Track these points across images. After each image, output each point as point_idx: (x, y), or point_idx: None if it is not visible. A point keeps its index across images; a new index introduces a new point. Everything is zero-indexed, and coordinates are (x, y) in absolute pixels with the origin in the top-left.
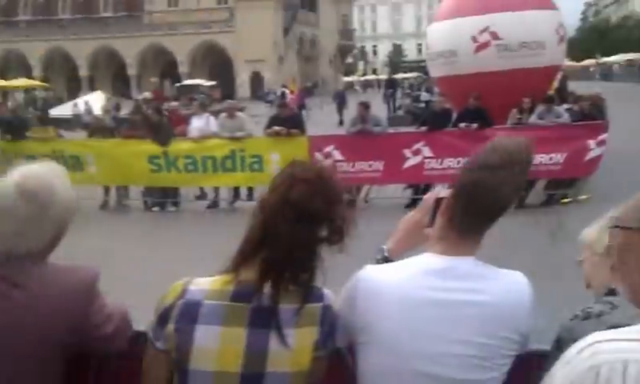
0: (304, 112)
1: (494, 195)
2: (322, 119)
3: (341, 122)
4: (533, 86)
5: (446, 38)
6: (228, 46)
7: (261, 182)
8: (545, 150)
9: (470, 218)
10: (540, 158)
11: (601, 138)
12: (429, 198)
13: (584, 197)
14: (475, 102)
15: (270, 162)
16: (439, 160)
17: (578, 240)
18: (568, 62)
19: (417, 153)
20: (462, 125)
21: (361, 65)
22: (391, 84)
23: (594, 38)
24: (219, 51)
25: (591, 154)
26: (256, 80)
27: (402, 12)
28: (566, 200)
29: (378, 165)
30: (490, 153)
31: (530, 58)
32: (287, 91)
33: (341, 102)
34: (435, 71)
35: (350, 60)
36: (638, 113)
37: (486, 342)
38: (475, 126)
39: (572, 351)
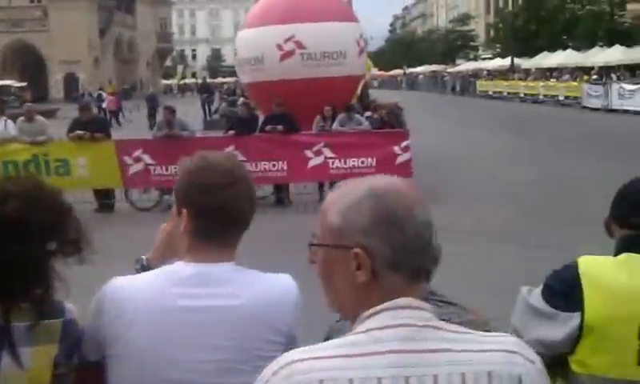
0: (121, 114)
1: (234, 213)
2: (138, 122)
3: (151, 126)
4: (336, 94)
5: (253, 45)
6: (41, 46)
7: (70, 186)
8: (355, 154)
9: (215, 231)
10: (352, 162)
11: (404, 144)
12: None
13: None
14: (279, 108)
15: (77, 166)
16: (253, 163)
17: None
18: (377, 72)
19: None
20: (268, 127)
21: (180, 68)
22: (206, 88)
23: (401, 50)
24: (32, 51)
25: (400, 159)
26: (70, 81)
27: (220, 17)
28: None
29: None
30: (210, 171)
31: (333, 68)
32: (104, 93)
33: (153, 105)
34: (244, 77)
35: (168, 63)
36: (438, 120)
37: (240, 345)
38: (281, 128)
39: (268, 371)
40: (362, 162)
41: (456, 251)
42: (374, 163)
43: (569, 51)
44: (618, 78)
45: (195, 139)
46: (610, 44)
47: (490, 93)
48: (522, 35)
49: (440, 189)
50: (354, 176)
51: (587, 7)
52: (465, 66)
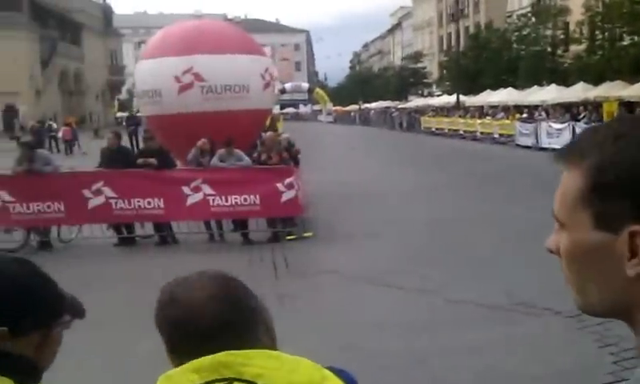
0: (77, 144)
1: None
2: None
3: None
4: (239, 128)
5: (150, 77)
6: None
7: None
8: (237, 191)
9: None
10: (235, 200)
11: (288, 181)
12: None
13: (308, 234)
14: (151, 143)
15: None
16: (125, 200)
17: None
18: (332, 107)
19: (98, 193)
20: (140, 161)
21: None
22: (133, 120)
23: (358, 86)
24: None
25: (285, 197)
26: (10, 113)
27: None
28: (291, 237)
29: (59, 205)
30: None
31: (235, 101)
32: (54, 124)
33: (135, 128)
34: (144, 109)
35: (124, 96)
36: (371, 157)
37: None
38: (154, 161)
39: None
40: (245, 200)
41: (331, 297)
42: (257, 200)
43: (509, 89)
44: (548, 116)
45: (58, 175)
46: (551, 83)
47: (433, 129)
48: (468, 74)
49: (334, 228)
50: (236, 215)
51: (530, 48)
52: (414, 102)
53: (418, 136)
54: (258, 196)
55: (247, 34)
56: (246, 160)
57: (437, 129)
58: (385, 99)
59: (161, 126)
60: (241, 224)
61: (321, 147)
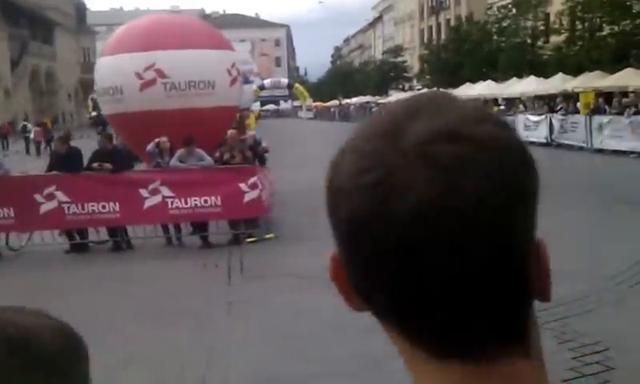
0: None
1: None
2: None
3: None
4: (205, 125)
5: (111, 73)
6: None
7: None
8: (197, 193)
9: None
10: (194, 201)
11: (251, 181)
12: None
13: (269, 236)
14: (106, 143)
15: None
16: (78, 205)
17: None
18: (312, 103)
19: (50, 198)
20: (95, 165)
21: None
22: (101, 121)
23: (338, 81)
24: None
25: (247, 197)
26: None
27: None
28: (251, 239)
29: (8, 211)
30: None
31: (199, 98)
32: (29, 124)
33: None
34: (105, 108)
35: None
36: None
37: None
38: (109, 166)
39: None
40: (206, 201)
41: (285, 301)
42: (218, 202)
43: (488, 82)
44: (526, 108)
45: (8, 179)
46: (534, 75)
47: None
48: (448, 67)
49: (300, 229)
50: (196, 217)
51: (510, 40)
52: (394, 96)
53: None
54: (219, 197)
55: (213, 27)
56: (208, 160)
57: None
58: (365, 94)
59: (122, 125)
60: (200, 227)
61: (298, 144)
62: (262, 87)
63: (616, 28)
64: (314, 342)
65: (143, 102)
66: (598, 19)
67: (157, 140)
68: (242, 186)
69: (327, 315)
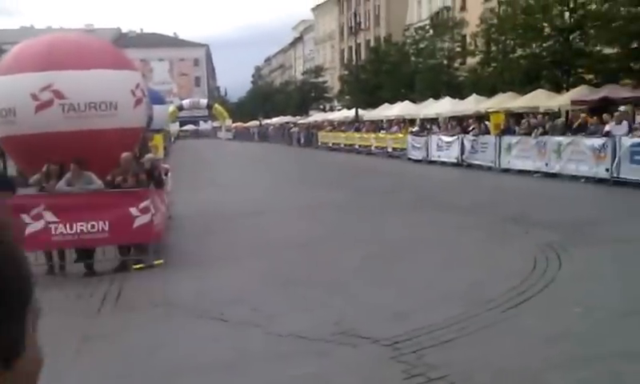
0: None
1: None
2: None
3: None
4: (106, 148)
5: (5, 94)
6: None
7: None
8: (84, 218)
9: None
10: (80, 227)
11: (143, 205)
12: None
13: (158, 262)
14: None
15: None
16: None
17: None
18: (232, 123)
19: None
20: None
21: None
22: None
23: (259, 101)
24: None
25: (138, 222)
26: None
27: None
28: (138, 266)
29: None
30: None
31: (100, 120)
32: None
33: None
34: None
35: None
36: (262, 174)
37: None
38: None
39: None
40: (93, 227)
41: (148, 334)
42: (106, 227)
43: (406, 103)
44: (440, 128)
45: None
46: (450, 96)
47: (330, 144)
48: (367, 87)
49: (192, 254)
50: (81, 243)
51: (427, 61)
52: (314, 117)
53: (315, 152)
54: (107, 222)
55: (117, 47)
56: (97, 183)
57: (334, 144)
58: (286, 114)
59: (15, 148)
60: (86, 253)
61: (209, 165)
62: (180, 108)
63: (527, 50)
64: (160, 379)
65: (38, 123)
66: (511, 41)
67: (43, 169)
68: (133, 210)
69: (184, 350)
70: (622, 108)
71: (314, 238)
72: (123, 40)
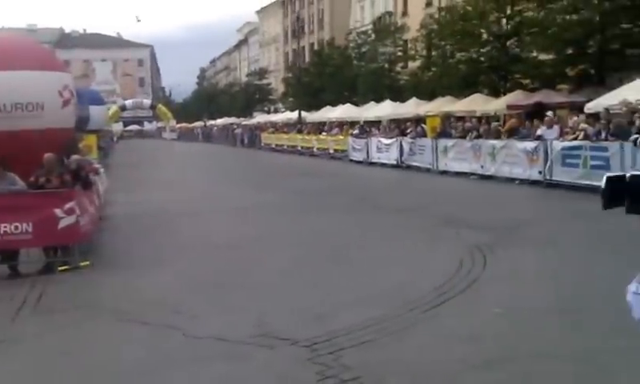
0: None
1: None
2: None
3: None
4: (33, 148)
5: None
6: None
7: None
8: (6, 219)
9: None
10: (4, 228)
11: (68, 206)
12: None
13: (84, 264)
14: None
15: None
16: None
17: None
18: (180, 124)
19: None
20: None
21: None
22: None
23: (203, 102)
24: None
25: (62, 223)
26: None
27: None
28: (63, 267)
29: None
30: None
31: (27, 120)
32: None
33: None
34: None
35: None
36: (204, 175)
37: None
38: None
39: None
40: (16, 228)
41: (62, 338)
42: (30, 229)
43: (347, 105)
44: (379, 131)
45: None
46: (391, 99)
47: (273, 146)
48: (310, 90)
49: (120, 255)
50: (4, 245)
51: (369, 65)
52: (257, 118)
53: (258, 153)
54: (30, 223)
55: (45, 48)
56: (20, 184)
57: (277, 145)
58: (231, 116)
59: None
60: (10, 255)
61: (149, 165)
62: (123, 108)
63: (466, 55)
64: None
65: None
66: (450, 47)
67: None
68: (58, 211)
69: (101, 354)
70: (549, 113)
71: (246, 239)
72: (66, 40)
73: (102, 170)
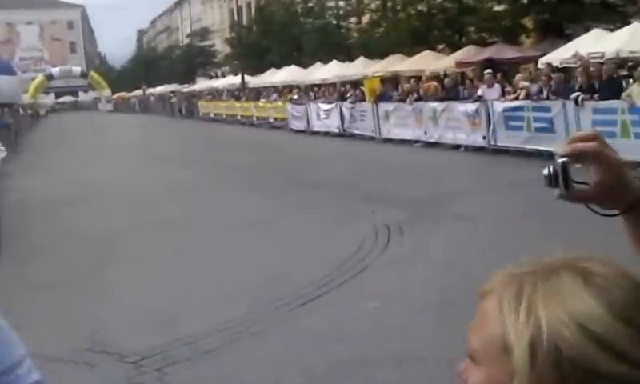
0: None
1: None
2: None
3: None
4: None
5: None
6: None
7: None
8: None
9: None
10: None
11: None
12: None
13: None
14: None
15: None
16: None
17: None
18: (119, 93)
19: None
20: None
21: None
22: None
23: (141, 69)
24: None
25: None
26: None
27: None
28: None
29: None
30: None
31: None
32: None
33: None
34: None
35: None
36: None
37: None
38: None
39: None
40: None
41: None
42: None
43: (292, 67)
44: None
45: None
46: (340, 59)
47: (212, 115)
48: (255, 51)
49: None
50: None
51: (316, 21)
52: (199, 85)
53: (194, 123)
54: None
55: None
56: None
57: (215, 114)
58: (172, 83)
59: None
60: None
61: (73, 143)
62: (49, 77)
63: (418, 8)
64: None
65: None
66: (399, 1)
67: None
68: None
69: None
70: (488, 70)
71: (126, 229)
72: None
73: None
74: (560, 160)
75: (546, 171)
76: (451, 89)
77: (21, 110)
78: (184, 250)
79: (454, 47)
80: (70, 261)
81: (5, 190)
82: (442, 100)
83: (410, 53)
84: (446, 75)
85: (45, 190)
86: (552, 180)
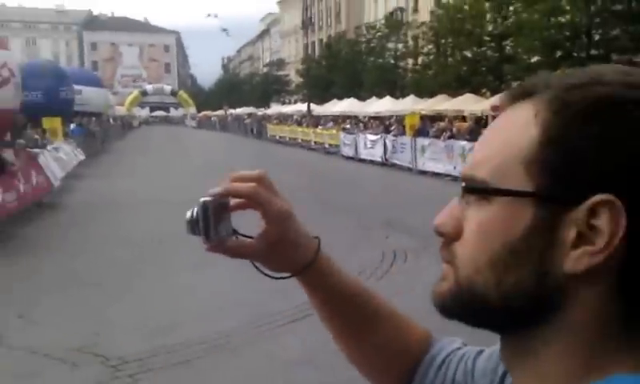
0: None
1: None
2: None
3: None
4: None
5: None
6: None
7: None
8: None
9: None
10: None
11: None
12: None
13: None
14: None
15: None
16: None
17: None
18: (204, 112)
19: None
20: None
21: None
22: None
23: (225, 91)
24: None
25: None
26: None
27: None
28: None
29: None
30: None
31: None
32: None
33: None
34: None
35: None
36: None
37: None
38: None
39: None
40: None
41: None
42: None
43: (351, 100)
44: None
45: None
46: (393, 96)
47: (277, 137)
48: (321, 82)
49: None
50: None
51: (376, 60)
52: (272, 109)
53: (262, 143)
54: None
55: None
56: None
57: (280, 137)
58: (249, 106)
59: None
60: None
61: (154, 153)
62: (144, 93)
63: (464, 54)
64: None
65: None
66: (448, 44)
67: None
68: None
69: None
70: None
71: (163, 234)
72: (94, 22)
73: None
74: (202, 200)
75: (188, 214)
76: (479, 129)
77: (111, 120)
78: (202, 260)
79: (494, 92)
80: (101, 261)
81: (73, 190)
82: (471, 139)
83: (454, 94)
84: (482, 117)
85: (110, 193)
86: (194, 225)
